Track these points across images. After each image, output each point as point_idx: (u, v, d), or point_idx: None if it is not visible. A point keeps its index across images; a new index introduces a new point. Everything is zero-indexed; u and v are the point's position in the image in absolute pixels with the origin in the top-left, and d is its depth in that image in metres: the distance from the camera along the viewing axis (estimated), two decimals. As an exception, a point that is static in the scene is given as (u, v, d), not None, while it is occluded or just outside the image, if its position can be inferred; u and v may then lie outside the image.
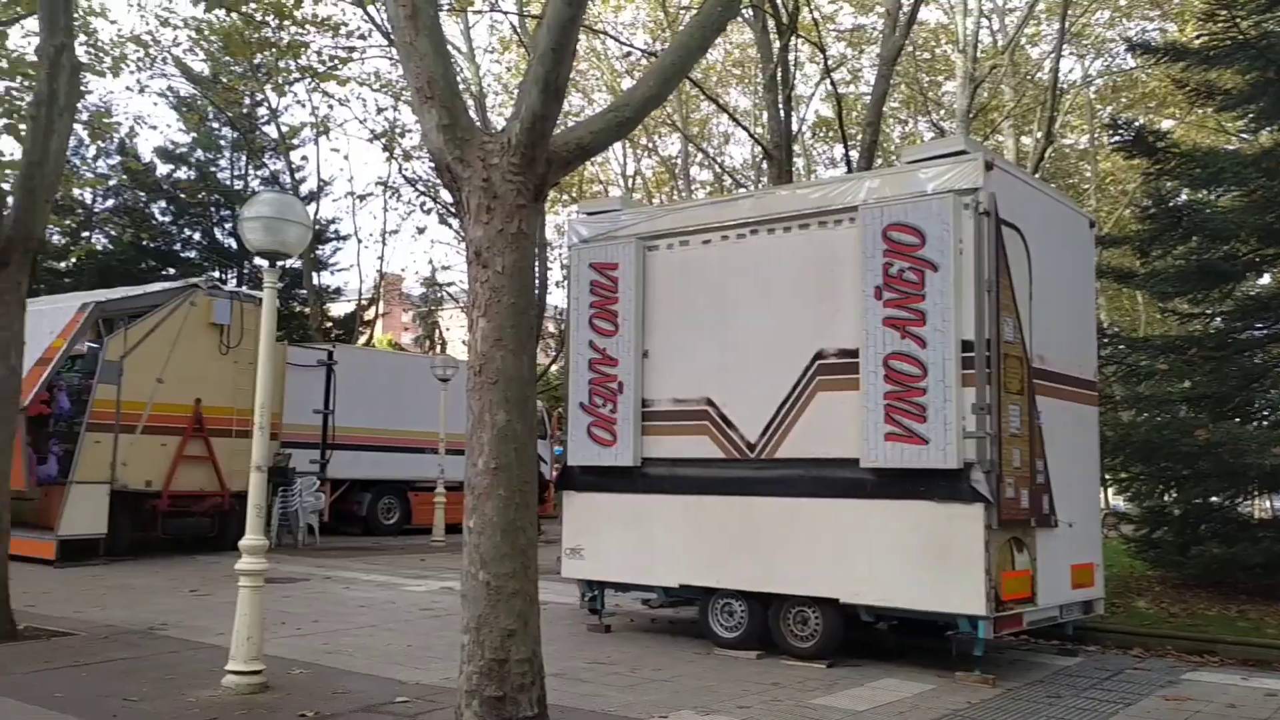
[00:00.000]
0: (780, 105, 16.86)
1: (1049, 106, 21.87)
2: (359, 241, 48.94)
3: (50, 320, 14.52)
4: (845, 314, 8.34)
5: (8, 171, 9.58)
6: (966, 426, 7.66)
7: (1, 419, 9.19)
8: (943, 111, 27.78)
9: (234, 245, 30.47)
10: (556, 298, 32.08)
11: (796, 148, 22.08)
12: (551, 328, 34.25)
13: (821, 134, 29.10)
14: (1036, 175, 17.48)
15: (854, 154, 18.77)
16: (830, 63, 20.47)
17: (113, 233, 29.50)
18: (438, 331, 41.15)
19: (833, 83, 20.15)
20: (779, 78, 16.86)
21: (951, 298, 7.77)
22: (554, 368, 32.02)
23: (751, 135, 23.15)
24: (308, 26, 16.31)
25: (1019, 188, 8.51)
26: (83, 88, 9.96)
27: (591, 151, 6.28)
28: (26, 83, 11.08)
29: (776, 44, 17.16)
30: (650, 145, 30.82)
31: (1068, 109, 27.00)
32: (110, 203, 30.56)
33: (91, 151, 28.56)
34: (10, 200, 9.42)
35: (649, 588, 9.57)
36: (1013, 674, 8.17)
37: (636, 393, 9.43)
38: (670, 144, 31.85)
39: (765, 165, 19.72)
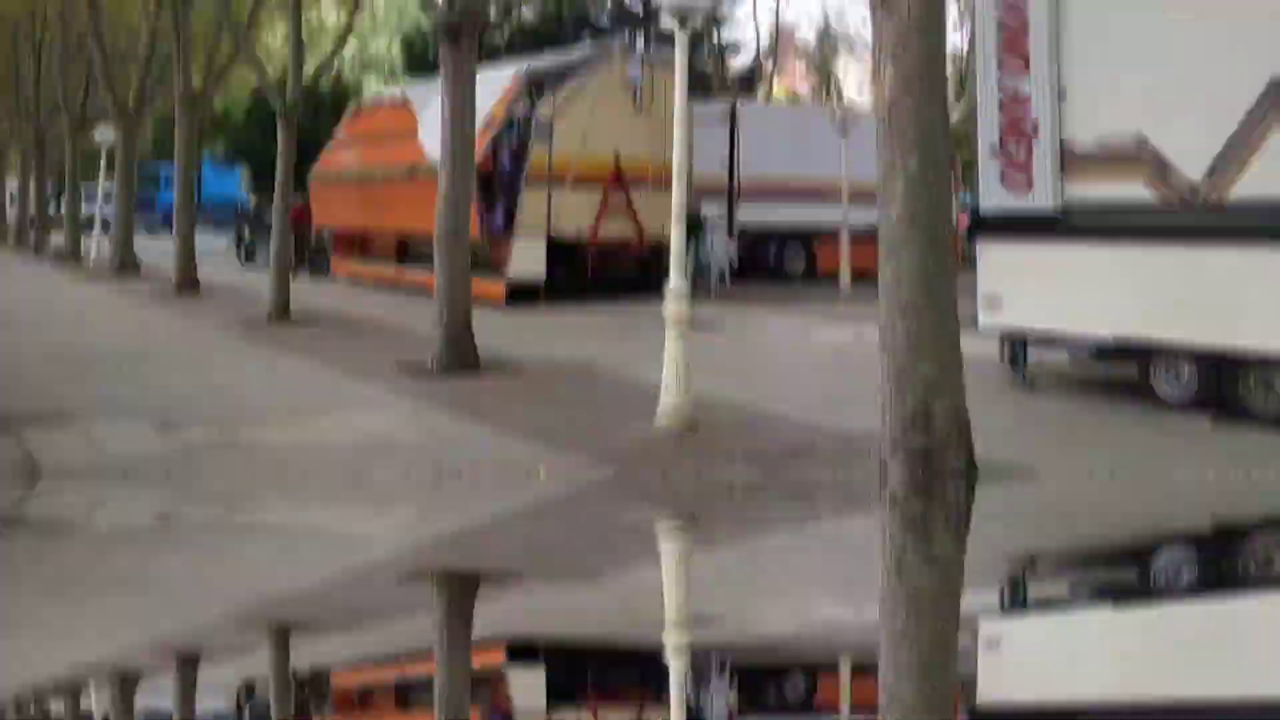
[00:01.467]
0: None
1: None
2: (754, -6, 47.46)
3: (490, 86, 15.68)
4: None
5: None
6: None
7: (462, 174, 10.30)
8: None
9: (640, 9, 31.18)
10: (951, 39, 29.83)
11: None
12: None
13: None
14: None
15: None
16: None
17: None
18: (833, 81, 40.11)
19: None
20: None
21: None
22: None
23: None
24: None
25: None
26: None
27: None
28: None
29: None
30: None
31: None
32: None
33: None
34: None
35: (1077, 339, 8.98)
36: None
37: (1054, 133, 8.61)
38: None
39: None
